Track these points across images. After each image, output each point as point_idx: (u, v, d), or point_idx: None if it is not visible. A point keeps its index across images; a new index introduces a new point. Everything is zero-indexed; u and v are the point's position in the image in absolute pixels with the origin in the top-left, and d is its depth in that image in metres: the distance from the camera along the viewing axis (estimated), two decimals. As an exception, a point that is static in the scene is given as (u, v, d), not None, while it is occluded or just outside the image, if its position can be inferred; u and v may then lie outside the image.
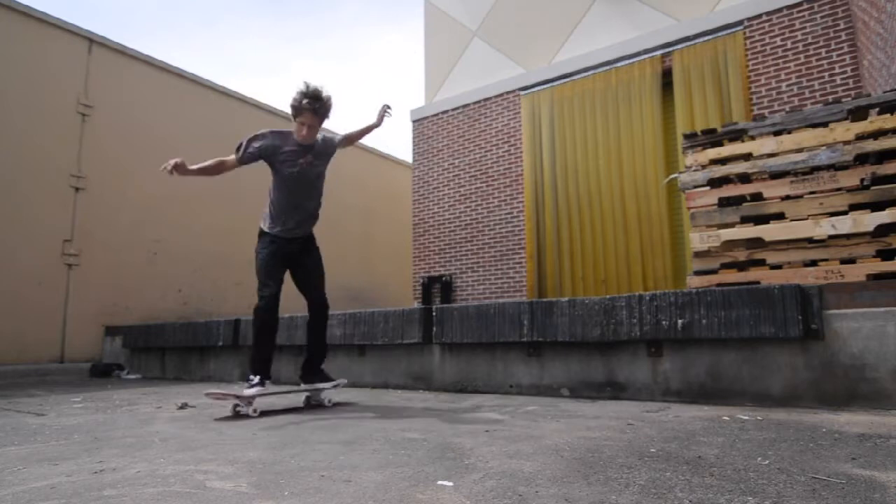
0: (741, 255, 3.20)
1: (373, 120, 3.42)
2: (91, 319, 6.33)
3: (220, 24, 47.51)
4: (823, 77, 5.60)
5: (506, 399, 3.25)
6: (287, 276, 3.23)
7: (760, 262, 3.14)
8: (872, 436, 1.89)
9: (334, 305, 4.46)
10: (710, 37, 6.28)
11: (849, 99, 3.56)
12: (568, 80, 7.25)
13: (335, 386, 3.27)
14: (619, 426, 2.23)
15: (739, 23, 6.12)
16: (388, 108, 3.45)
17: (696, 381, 2.88)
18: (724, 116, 6.00)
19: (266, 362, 3.03)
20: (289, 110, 3.07)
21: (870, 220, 2.82)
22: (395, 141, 36.97)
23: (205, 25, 48.33)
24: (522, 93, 7.65)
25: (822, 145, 3.05)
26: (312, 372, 3.25)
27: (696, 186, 3.46)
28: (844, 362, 2.53)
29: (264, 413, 2.89)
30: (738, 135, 3.39)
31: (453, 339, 3.71)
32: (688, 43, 6.39)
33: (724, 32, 6.20)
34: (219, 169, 3.11)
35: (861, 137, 2.94)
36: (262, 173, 3.26)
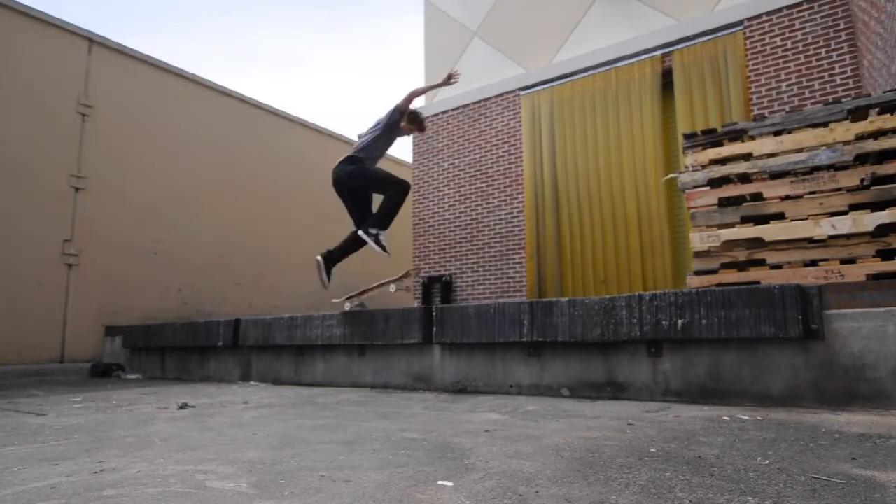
0: (741, 255, 3.20)
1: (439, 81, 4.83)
2: (91, 319, 6.34)
3: (232, 18, 47.41)
4: (823, 77, 5.60)
5: (506, 399, 3.25)
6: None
7: (760, 262, 3.14)
8: (872, 436, 1.89)
9: (334, 305, 4.49)
10: (710, 37, 6.27)
11: (849, 99, 3.56)
12: (568, 80, 7.25)
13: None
14: (619, 426, 2.23)
15: (739, 23, 6.12)
16: (454, 76, 4.71)
17: (697, 381, 2.88)
18: (724, 116, 6.00)
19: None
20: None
21: (870, 220, 2.82)
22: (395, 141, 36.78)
23: (216, 17, 48.20)
24: (522, 93, 7.64)
25: (822, 145, 3.05)
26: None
27: (696, 186, 3.45)
28: (844, 362, 2.53)
29: (263, 410, 2.89)
30: (738, 135, 3.39)
31: (453, 339, 3.71)
32: (688, 43, 6.39)
33: (724, 32, 6.20)
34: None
35: (861, 137, 2.94)
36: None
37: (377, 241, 4.26)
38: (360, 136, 4.80)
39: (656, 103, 6.53)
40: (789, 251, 3.05)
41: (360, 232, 4.28)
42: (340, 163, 4.50)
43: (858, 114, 2.98)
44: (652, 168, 6.43)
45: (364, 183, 4.49)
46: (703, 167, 3.43)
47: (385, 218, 4.36)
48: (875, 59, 4.62)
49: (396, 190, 4.41)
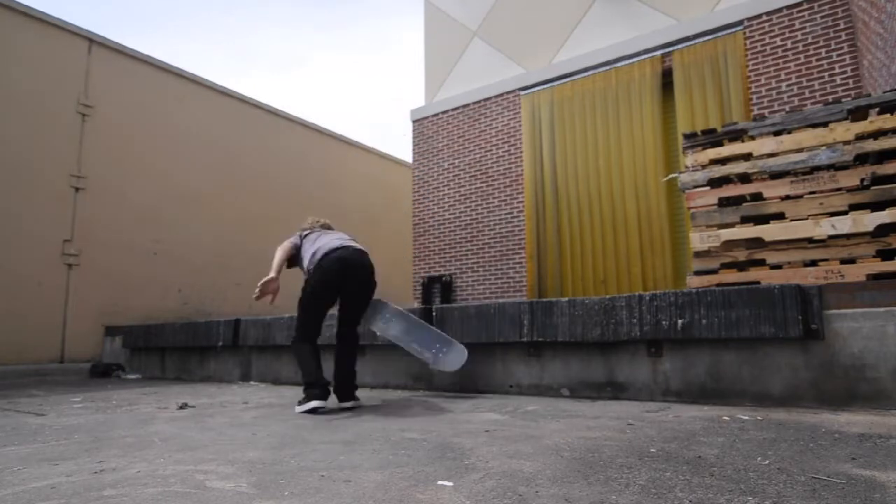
0: (741, 255, 3.20)
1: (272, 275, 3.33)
2: (91, 319, 6.33)
3: (232, 18, 47.37)
4: (823, 77, 5.60)
5: (506, 399, 3.25)
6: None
7: (760, 262, 3.14)
8: (872, 436, 1.89)
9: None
10: (710, 37, 6.27)
11: (849, 99, 3.57)
12: (568, 80, 7.25)
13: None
14: (619, 426, 2.23)
15: (739, 23, 6.12)
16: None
17: (697, 381, 2.88)
18: (724, 116, 6.00)
19: None
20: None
21: (870, 220, 2.82)
22: (396, 141, 36.94)
23: (216, 17, 48.17)
24: (522, 93, 7.64)
25: (822, 145, 3.05)
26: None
27: (696, 186, 3.45)
28: (844, 362, 2.53)
29: (263, 410, 2.89)
30: (738, 135, 3.39)
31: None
32: (688, 43, 6.39)
33: (724, 32, 6.20)
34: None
35: (861, 137, 2.94)
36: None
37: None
38: (324, 230, 3.69)
39: (656, 103, 6.53)
40: (789, 251, 3.05)
41: (346, 402, 3.08)
42: (363, 253, 3.28)
43: (858, 114, 2.98)
44: (652, 168, 6.43)
45: (366, 303, 3.41)
46: (703, 167, 3.43)
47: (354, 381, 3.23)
48: (875, 59, 4.62)
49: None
